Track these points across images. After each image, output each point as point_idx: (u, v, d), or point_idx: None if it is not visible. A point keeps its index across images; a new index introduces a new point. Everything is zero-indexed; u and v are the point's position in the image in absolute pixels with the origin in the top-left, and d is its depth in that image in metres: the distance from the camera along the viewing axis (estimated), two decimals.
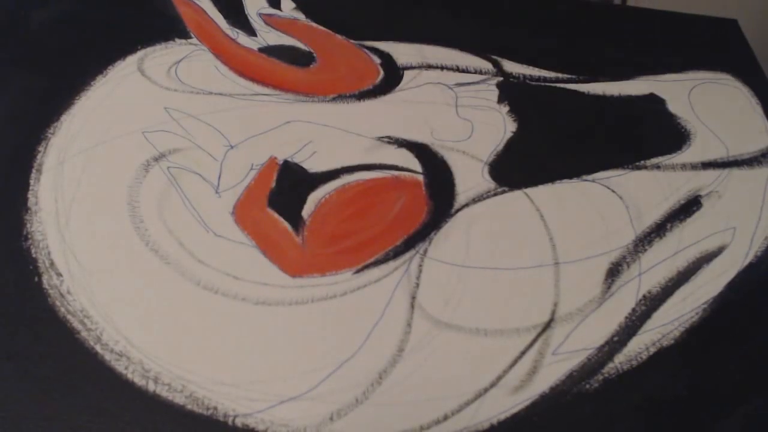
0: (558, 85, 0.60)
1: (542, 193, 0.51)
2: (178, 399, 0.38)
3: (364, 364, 0.41)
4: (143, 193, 0.48)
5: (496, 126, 0.55)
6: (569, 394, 0.41)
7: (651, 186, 0.52)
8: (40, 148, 0.50)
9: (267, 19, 0.62)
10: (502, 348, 0.42)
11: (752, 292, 0.47)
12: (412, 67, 0.59)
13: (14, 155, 0.49)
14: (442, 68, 0.60)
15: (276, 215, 0.48)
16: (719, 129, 0.57)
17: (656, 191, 0.52)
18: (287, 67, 0.58)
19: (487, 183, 0.51)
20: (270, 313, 0.42)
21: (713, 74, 0.62)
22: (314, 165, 0.51)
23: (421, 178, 0.51)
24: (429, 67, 0.60)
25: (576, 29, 0.66)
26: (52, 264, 0.43)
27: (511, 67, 0.60)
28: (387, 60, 0.60)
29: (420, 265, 0.46)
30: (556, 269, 0.46)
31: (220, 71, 0.57)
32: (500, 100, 0.57)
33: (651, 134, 0.57)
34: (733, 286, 0.47)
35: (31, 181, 0.48)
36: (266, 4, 0.64)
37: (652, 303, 0.45)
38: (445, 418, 0.39)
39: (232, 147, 0.51)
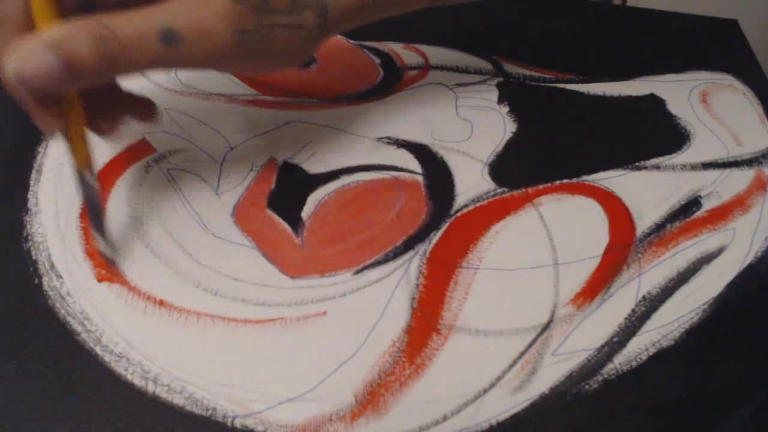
0: (558, 85, 0.60)
1: (542, 193, 0.51)
2: (178, 400, 0.38)
3: (364, 365, 0.41)
4: (143, 194, 0.48)
5: (496, 126, 0.55)
6: (569, 395, 0.41)
7: (651, 186, 0.52)
8: (40, 149, 0.50)
9: None
10: (501, 348, 0.42)
11: (752, 293, 0.47)
12: (411, 68, 0.60)
13: (14, 156, 0.49)
14: (441, 68, 0.60)
15: (276, 216, 0.48)
16: (719, 129, 0.57)
17: (656, 191, 0.52)
18: None
19: (487, 183, 0.51)
20: (269, 314, 0.43)
21: (713, 75, 0.62)
22: (314, 166, 0.51)
23: (420, 178, 0.51)
24: (429, 67, 0.60)
25: (576, 29, 0.66)
26: (52, 266, 0.43)
27: (511, 67, 0.61)
28: (387, 60, 0.60)
29: (420, 266, 0.46)
30: (555, 270, 0.46)
31: (220, 71, 0.57)
32: (500, 101, 0.57)
33: (651, 134, 0.57)
34: (733, 287, 0.47)
35: (31, 182, 0.48)
36: None
37: (651, 304, 0.45)
38: (444, 418, 0.39)
39: (231, 148, 0.51)
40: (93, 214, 0.41)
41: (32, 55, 0.30)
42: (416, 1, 0.47)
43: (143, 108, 0.44)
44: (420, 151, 0.53)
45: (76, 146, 0.38)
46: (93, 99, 0.40)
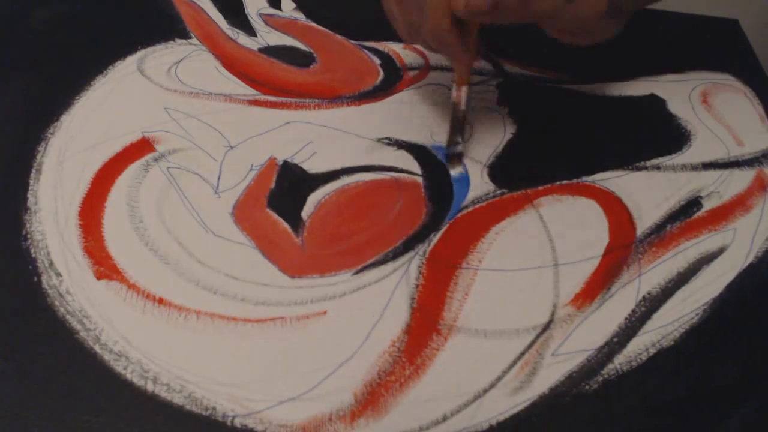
0: (558, 85, 0.60)
1: (542, 194, 0.51)
2: (177, 399, 0.38)
3: (363, 365, 0.41)
4: (142, 193, 0.48)
5: (496, 127, 0.55)
6: (569, 395, 0.41)
7: (651, 187, 0.52)
8: (40, 148, 0.50)
9: (267, 19, 0.62)
10: (501, 349, 0.42)
11: (753, 293, 0.47)
12: (412, 68, 0.59)
13: (14, 155, 0.49)
14: (442, 69, 0.60)
15: (275, 216, 0.48)
16: (720, 129, 0.57)
17: (656, 192, 0.52)
18: (287, 68, 0.58)
19: (487, 185, 0.51)
20: (269, 313, 0.42)
21: (714, 74, 0.62)
22: (314, 166, 0.51)
23: (420, 179, 0.51)
24: (429, 67, 0.60)
25: None
26: (51, 264, 0.43)
27: (511, 68, 0.60)
28: (387, 60, 0.60)
29: (419, 267, 0.46)
30: (555, 270, 0.46)
31: (220, 71, 0.57)
32: (500, 102, 0.57)
33: (651, 135, 0.56)
34: (733, 287, 0.47)
35: (31, 181, 0.48)
36: (266, 4, 0.64)
37: (652, 304, 0.45)
38: (444, 419, 0.39)
39: (231, 147, 0.51)
40: (457, 123, 0.52)
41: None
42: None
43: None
44: (420, 151, 0.53)
45: (467, 64, 0.49)
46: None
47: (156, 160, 0.50)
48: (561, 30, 0.46)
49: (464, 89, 0.51)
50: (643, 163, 0.54)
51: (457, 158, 0.53)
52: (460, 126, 0.52)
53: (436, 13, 0.42)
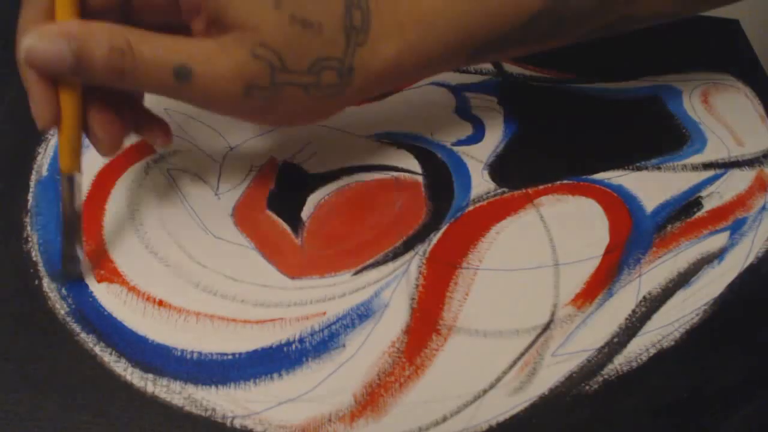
0: (558, 85, 0.60)
1: (543, 193, 0.51)
2: (177, 400, 0.38)
3: (363, 366, 0.41)
4: (142, 195, 0.48)
5: (496, 127, 0.55)
6: (568, 396, 0.41)
7: (651, 187, 0.52)
8: (41, 150, 0.50)
9: None
10: (501, 349, 0.42)
11: (753, 293, 0.47)
12: None
13: (14, 156, 0.49)
14: None
15: (275, 217, 0.48)
16: (720, 130, 0.57)
17: (657, 192, 0.52)
18: None
19: (487, 184, 0.51)
20: (269, 315, 0.42)
21: (715, 75, 0.62)
22: (314, 166, 0.51)
23: (420, 179, 0.51)
24: None
25: None
26: (52, 267, 0.43)
27: (511, 67, 0.60)
28: None
29: (419, 267, 0.46)
30: (555, 270, 0.46)
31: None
32: (500, 101, 0.57)
33: (651, 135, 0.56)
34: (734, 287, 0.47)
35: (31, 183, 0.48)
36: None
37: (652, 304, 0.45)
38: (444, 419, 0.39)
39: (231, 148, 0.51)
40: (72, 223, 0.40)
41: (48, 40, 0.32)
42: (454, 62, 0.44)
43: (154, 130, 0.43)
44: (420, 151, 0.53)
45: (65, 144, 0.37)
46: (100, 103, 0.38)
47: (156, 161, 0.50)
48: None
49: (76, 177, 0.38)
50: (643, 163, 0.54)
51: (74, 270, 0.41)
52: (73, 231, 0.40)
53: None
